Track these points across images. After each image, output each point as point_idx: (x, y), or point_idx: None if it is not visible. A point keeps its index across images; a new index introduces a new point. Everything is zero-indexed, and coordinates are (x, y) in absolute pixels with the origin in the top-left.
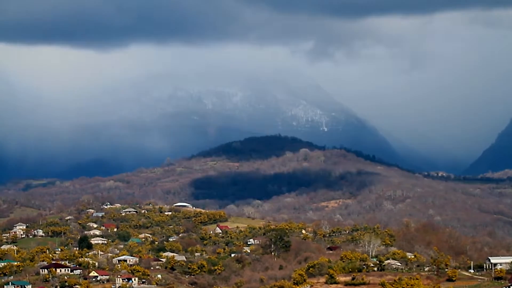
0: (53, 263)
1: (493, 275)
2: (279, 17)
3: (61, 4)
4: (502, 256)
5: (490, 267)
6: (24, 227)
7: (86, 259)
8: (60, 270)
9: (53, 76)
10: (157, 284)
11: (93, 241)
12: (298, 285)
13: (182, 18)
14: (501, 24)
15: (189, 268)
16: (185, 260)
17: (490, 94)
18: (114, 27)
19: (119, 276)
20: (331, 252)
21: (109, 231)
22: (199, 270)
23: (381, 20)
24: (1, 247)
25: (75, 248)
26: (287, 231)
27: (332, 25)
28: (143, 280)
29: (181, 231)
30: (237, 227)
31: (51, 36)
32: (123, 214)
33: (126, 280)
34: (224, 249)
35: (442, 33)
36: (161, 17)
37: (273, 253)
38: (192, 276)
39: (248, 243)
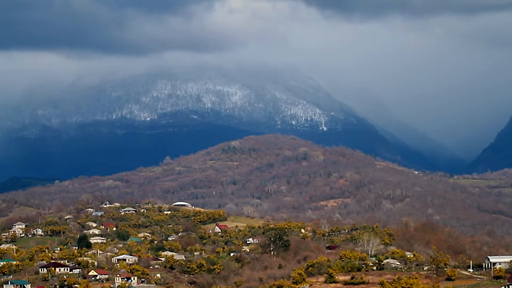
0: (52, 262)
1: (492, 274)
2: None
3: None
4: (501, 255)
5: (489, 266)
6: (23, 226)
7: (85, 258)
8: (59, 269)
9: (49, 76)
10: (156, 283)
11: (92, 240)
12: (297, 284)
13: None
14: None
15: (188, 267)
16: (184, 259)
17: (490, 93)
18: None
19: (118, 275)
20: (330, 251)
21: (108, 230)
22: (198, 269)
23: (383, 21)
24: (1, 246)
25: (74, 247)
26: (286, 230)
27: (331, 25)
28: (142, 279)
29: (180, 230)
30: (236, 226)
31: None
32: (122, 213)
33: (125, 279)
34: (223, 248)
35: (441, 35)
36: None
37: (272, 252)
38: (191, 275)
39: (247, 242)
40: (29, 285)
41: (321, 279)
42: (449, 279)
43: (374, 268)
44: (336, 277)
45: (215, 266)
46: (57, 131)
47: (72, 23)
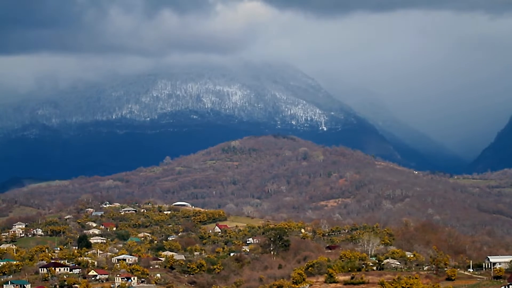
0: (52, 262)
1: (492, 274)
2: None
3: None
4: (501, 255)
5: (489, 266)
6: (23, 226)
7: (85, 258)
8: (59, 269)
9: (48, 76)
10: (156, 283)
11: (92, 240)
12: (297, 284)
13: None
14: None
15: (188, 267)
16: (184, 259)
17: (490, 94)
18: None
19: (118, 275)
20: (330, 251)
21: (108, 230)
22: (198, 269)
23: (383, 22)
24: (1, 246)
25: (74, 247)
26: (286, 230)
27: (331, 26)
28: (142, 279)
29: (180, 230)
30: (236, 226)
31: None
32: (122, 213)
33: (125, 279)
34: (223, 248)
35: (441, 35)
36: None
37: (272, 252)
38: (191, 275)
39: (247, 242)
40: (29, 285)
41: (321, 279)
42: (449, 279)
43: (374, 268)
44: (336, 277)
45: (215, 266)
46: (57, 131)
47: (72, 24)
